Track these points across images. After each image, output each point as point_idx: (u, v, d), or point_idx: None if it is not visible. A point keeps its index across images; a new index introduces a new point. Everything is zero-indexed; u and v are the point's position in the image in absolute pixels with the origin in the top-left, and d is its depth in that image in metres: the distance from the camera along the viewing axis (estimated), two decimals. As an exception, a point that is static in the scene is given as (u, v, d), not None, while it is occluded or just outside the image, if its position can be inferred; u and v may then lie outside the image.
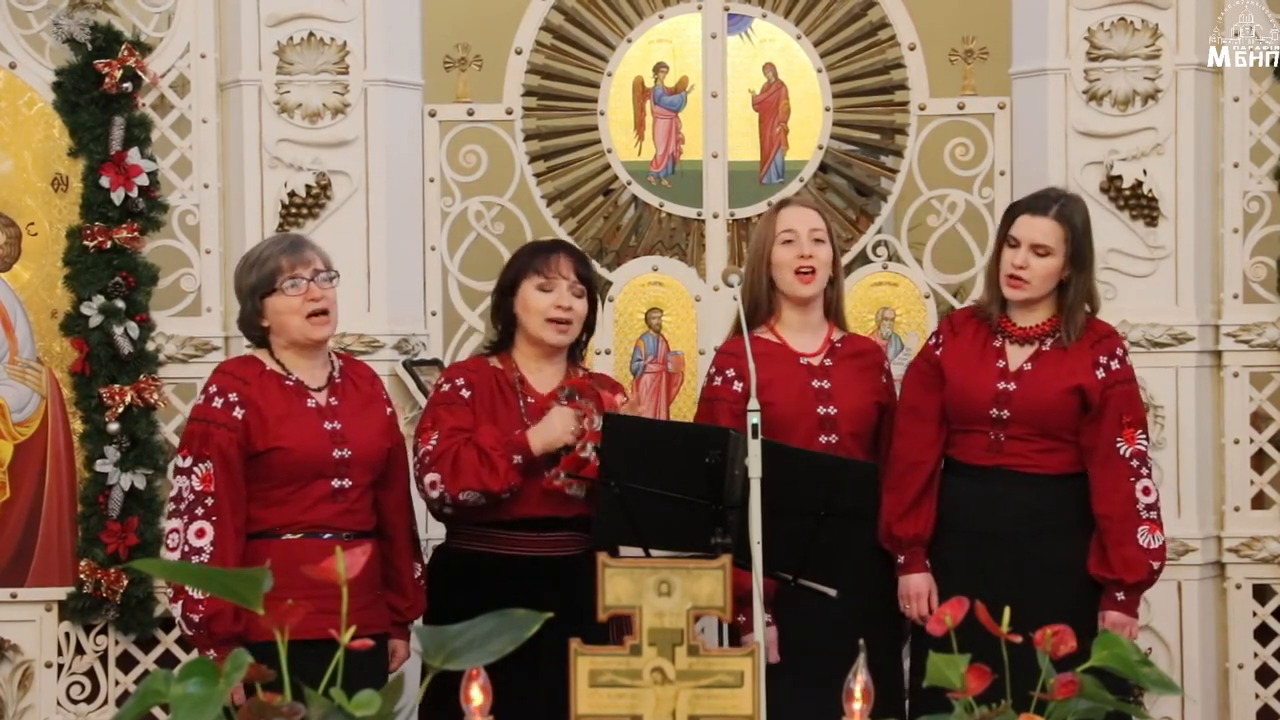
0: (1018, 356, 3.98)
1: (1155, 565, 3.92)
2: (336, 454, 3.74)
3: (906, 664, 4.12)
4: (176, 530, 3.68)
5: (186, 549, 3.63)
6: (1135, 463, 3.92)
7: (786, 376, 3.98)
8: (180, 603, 3.63)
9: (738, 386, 3.96)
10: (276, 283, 3.74)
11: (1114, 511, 3.90)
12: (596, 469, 3.71)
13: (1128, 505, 3.90)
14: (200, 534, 3.64)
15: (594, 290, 3.98)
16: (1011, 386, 3.94)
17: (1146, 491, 3.92)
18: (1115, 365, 3.95)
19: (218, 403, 3.71)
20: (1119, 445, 3.92)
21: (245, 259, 3.87)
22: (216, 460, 3.66)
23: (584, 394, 3.83)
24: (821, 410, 3.98)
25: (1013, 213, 4.03)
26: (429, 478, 3.78)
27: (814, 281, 4.03)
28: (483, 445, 3.75)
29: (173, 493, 3.75)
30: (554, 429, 3.78)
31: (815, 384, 4.00)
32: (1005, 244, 3.98)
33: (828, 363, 4.05)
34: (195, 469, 3.68)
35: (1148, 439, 3.98)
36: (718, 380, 4.02)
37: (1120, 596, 3.91)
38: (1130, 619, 3.92)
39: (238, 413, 3.70)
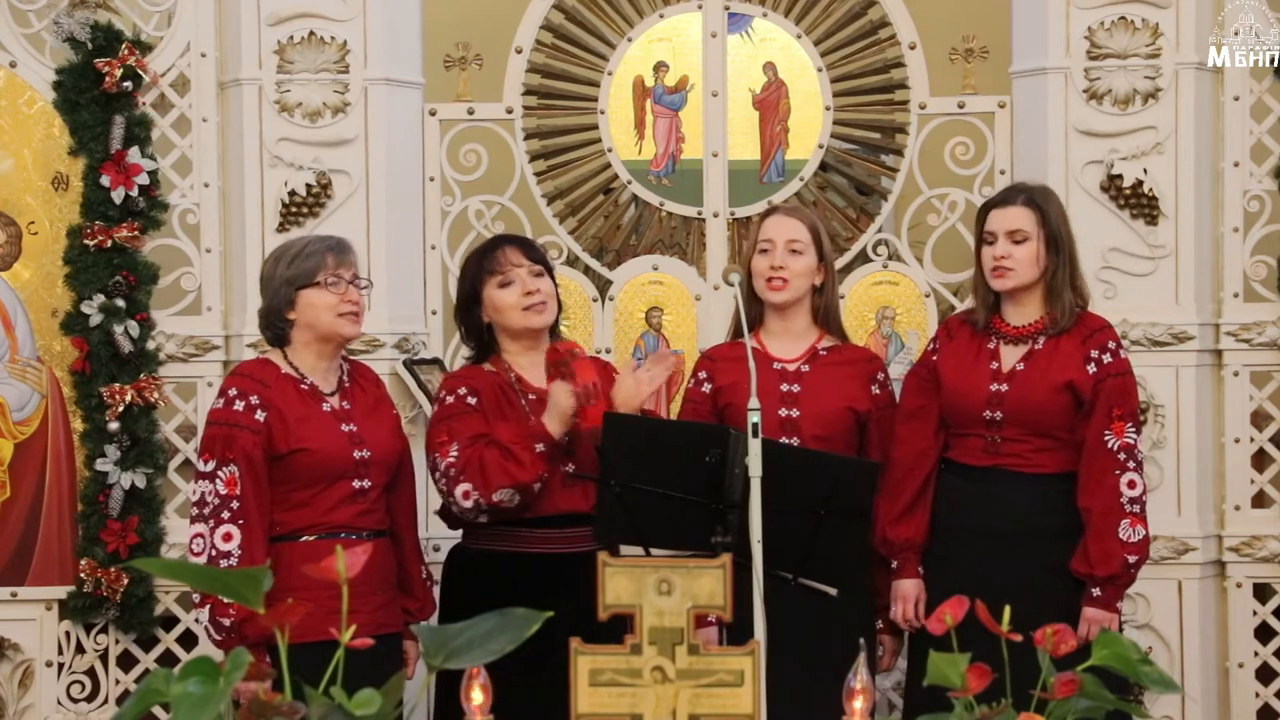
0: (1011, 357, 3.98)
1: (1131, 560, 3.86)
2: (357, 455, 3.71)
3: (904, 664, 4.12)
4: (201, 535, 3.60)
5: (214, 553, 3.57)
6: (1122, 455, 3.88)
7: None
8: (209, 607, 3.56)
9: (706, 389, 4.09)
10: (319, 277, 3.72)
11: (1096, 505, 3.87)
12: (599, 412, 3.75)
13: (1111, 499, 3.87)
14: (228, 538, 3.58)
15: (549, 268, 3.99)
16: (1004, 388, 3.94)
17: (1132, 485, 3.88)
18: (1107, 359, 3.93)
19: (239, 405, 3.66)
20: (1106, 438, 3.89)
21: (283, 251, 3.79)
22: (241, 463, 3.61)
23: (560, 360, 3.83)
24: (783, 412, 3.97)
25: (984, 211, 4.07)
26: (460, 489, 3.74)
27: (784, 290, 4.04)
28: (504, 442, 3.74)
29: (194, 498, 3.66)
30: (560, 404, 3.77)
31: (784, 388, 4.01)
32: (983, 243, 4.02)
33: (805, 369, 4.05)
34: (219, 473, 3.61)
35: (1138, 432, 3.94)
36: (691, 382, 4.17)
37: (1096, 592, 3.87)
38: (1109, 614, 3.87)
39: (260, 415, 3.65)
